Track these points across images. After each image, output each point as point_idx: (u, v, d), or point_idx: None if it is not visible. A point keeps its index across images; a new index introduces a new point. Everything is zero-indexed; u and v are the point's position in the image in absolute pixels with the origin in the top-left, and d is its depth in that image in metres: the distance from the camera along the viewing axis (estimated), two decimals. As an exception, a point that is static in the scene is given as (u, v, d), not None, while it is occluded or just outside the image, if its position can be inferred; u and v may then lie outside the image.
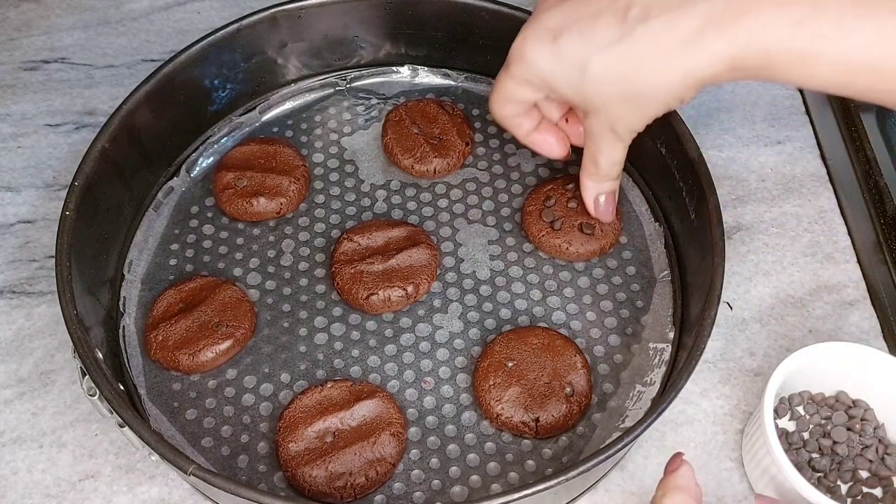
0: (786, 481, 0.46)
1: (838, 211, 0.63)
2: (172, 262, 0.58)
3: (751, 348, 0.56)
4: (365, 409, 0.50)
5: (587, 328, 0.54)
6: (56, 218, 0.53)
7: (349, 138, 0.64)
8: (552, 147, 0.53)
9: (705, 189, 0.52)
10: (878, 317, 0.58)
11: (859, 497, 0.49)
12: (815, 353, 0.49)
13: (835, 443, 0.50)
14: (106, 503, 0.51)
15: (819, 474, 0.49)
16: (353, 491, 0.48)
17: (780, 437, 0.48)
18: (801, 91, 0.70)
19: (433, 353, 0.53)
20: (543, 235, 0.57)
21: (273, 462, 0.49)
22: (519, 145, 0.63)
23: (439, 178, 0.62)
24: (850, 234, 0.62)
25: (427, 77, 0.67)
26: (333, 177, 0.62)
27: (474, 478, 0.49)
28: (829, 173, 0.65)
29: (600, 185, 0.52)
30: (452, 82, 0.67)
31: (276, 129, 0.65)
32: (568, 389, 0.50)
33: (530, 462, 0.49)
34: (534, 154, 0.63)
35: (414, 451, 0.50)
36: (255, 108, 0.65)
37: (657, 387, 0.51)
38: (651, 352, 0.53)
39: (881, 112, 0.67)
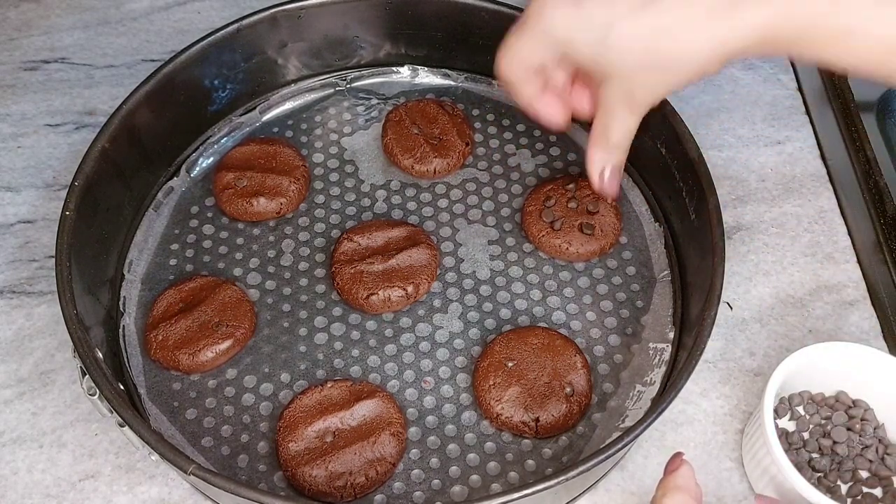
0: (786, 481, 0.46)
1: (838, 211, 0.63)
2: (172, 261, 0.58)
3: (751, 348, 0.56)
4: (365, 409, 0.50)
5: (587, 328, 0.54)
6: (56, 218, 0.53)
7: (349, 138, 0.64)
8: (556, 113, 0.49)
9: (705, 189, 0.52)
10: (878, 317, 0.58)
11: (859, 497, 0.49)
12: (815, 353, 0.49)
13: (835, 443, 0.49)
14: (106, 503, 0.51)
15: (819, 474, 0.49)
16: (353, 490, 0.48)
17: (780, 437, 0.48)
18: (801, 91, 0.70)
19: (433, 352, 0.53)
20: (543, 235, 0.57)
21: (273, 462, 0.49)
22: (519, 145, 0.63)
23: (439, 179, 0.62)
24: (850, 234, 0.62)
25: (427, 77, 0.67)
26: (333, 177, 0.62)
27: (474, 477, 0.49)
28: (829, 173, 0.65)
29: (608, 157, 0.48)
30: (452, 82, 0.67)
31: (276, 130, 0.65)
32: (568, 389, 0.50)
33: (530, 462, 0.49)
34: (533, 154, 0.63)
35: (414, 450, 0.50)
36: (255, 108, 0.65)
37: (657, 387, 0.51)
38: (651, 352, 0.53)
39: (881, 112, 0.67)
